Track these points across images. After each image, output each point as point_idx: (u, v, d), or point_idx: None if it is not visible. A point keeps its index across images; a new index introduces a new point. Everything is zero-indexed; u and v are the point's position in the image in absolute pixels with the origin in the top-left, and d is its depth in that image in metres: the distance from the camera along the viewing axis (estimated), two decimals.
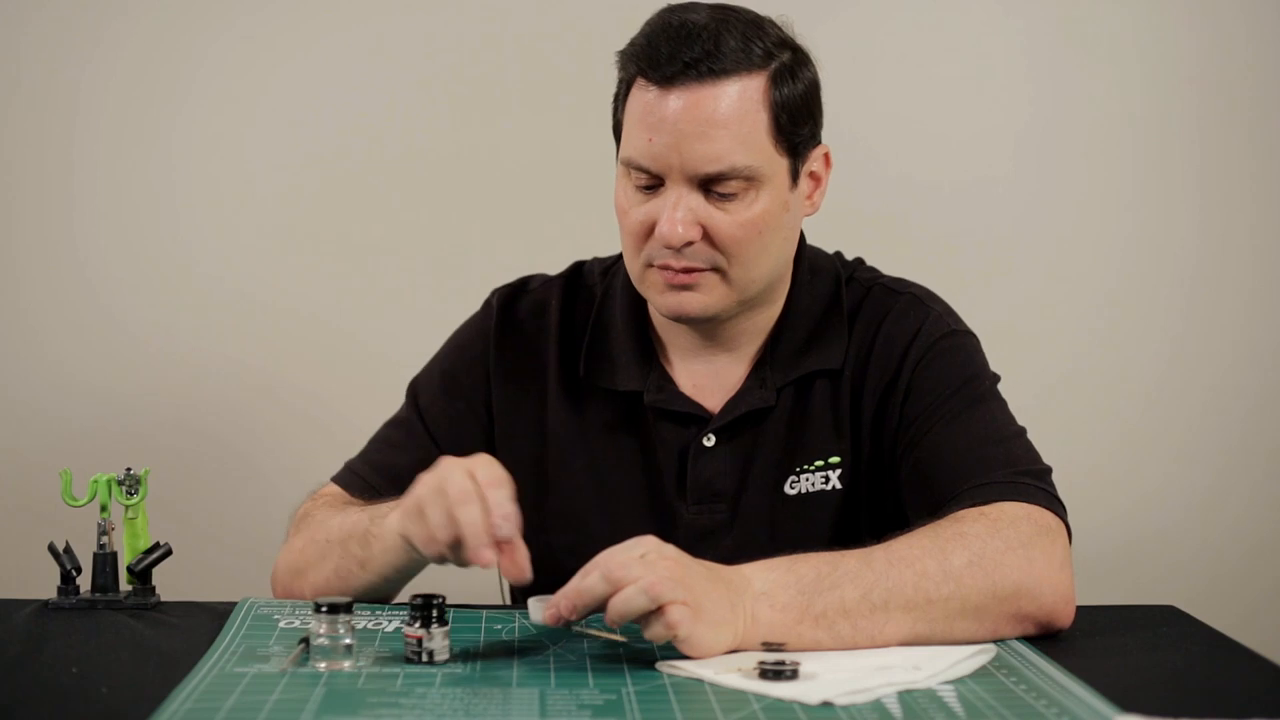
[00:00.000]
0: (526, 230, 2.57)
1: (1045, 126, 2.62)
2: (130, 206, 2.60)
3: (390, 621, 1.54)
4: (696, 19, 1.60)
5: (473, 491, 1.41)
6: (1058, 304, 2.63)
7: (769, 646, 1.36)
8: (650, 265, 1.63)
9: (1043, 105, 2.61)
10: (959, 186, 2.61)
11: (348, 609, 1.37)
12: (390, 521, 1.53)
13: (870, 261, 1.80)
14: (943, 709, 1.26)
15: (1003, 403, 1.68)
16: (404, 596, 1.49)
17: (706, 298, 1.62)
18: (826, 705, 1.26)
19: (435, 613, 1.38)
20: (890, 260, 1.82)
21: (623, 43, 1.65)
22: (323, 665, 1.36)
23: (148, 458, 1.88)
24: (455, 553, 1.42)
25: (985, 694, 1.30)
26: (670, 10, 1.63)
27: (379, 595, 1.63)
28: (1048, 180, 2.63)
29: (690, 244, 1.59)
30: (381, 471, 1.76)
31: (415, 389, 1.81)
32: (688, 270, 1.61)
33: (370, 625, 1.52)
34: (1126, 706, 1.24)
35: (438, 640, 1.38)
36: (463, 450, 1.76)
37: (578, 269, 1.81)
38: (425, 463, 1.76)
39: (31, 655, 1.44)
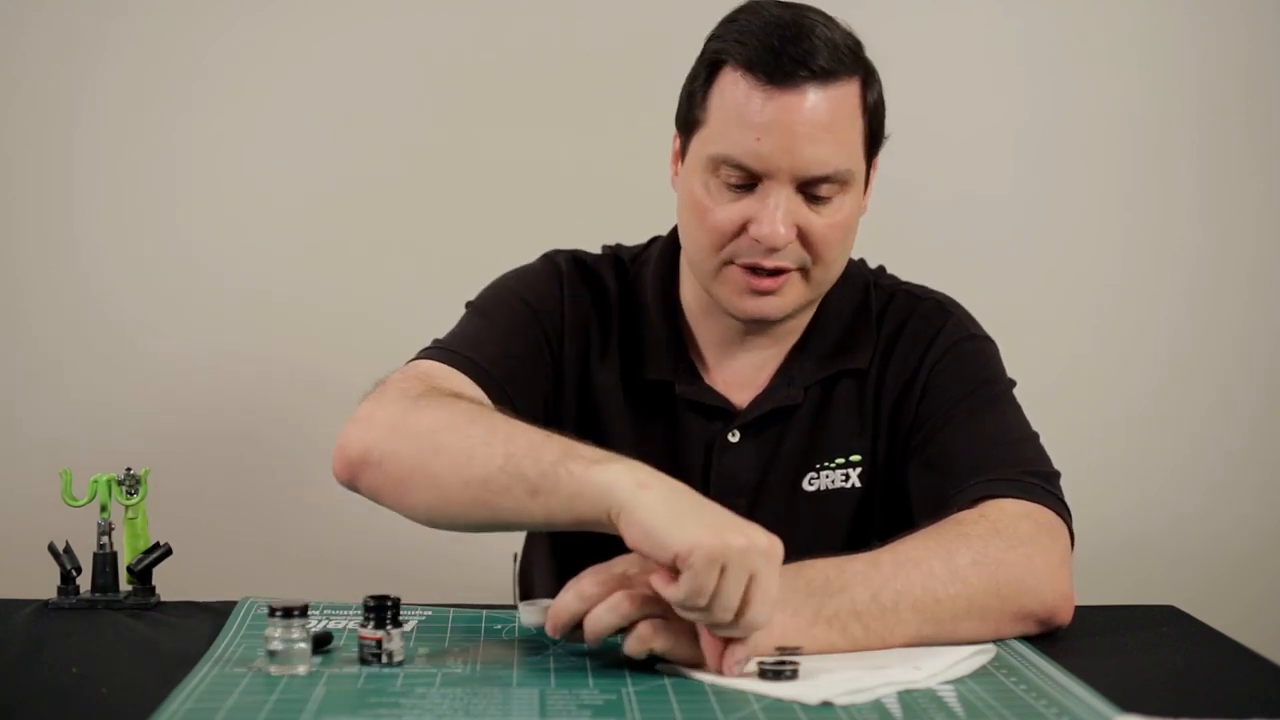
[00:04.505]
0: (528, 227, 2.56)
1: (1045, 127, 2.62)
2: (130, 206, 2.60)
3: (347, 620, 1.53)
4: (788, 16, 1.59)
5: (729, 606, 1.28)
6: (1057, 305, 2.63)
7: (785, 650, 1.35)
8: (730, 263, 1.62)
9: (1042, 106, 2.61)
10: (958, 187, 2.61)
11: (303, 613, 1.35)
12: (629, 478, 1.32)
13: (870, 263, 1.81)
14: (943, 709, 1.26)
15: (1017, 407, 1.69)
16: (357, 597, 1.46)
17: (786, 299, 1.63)
18: (826, 705, 1.26)
19: (391, 614, 1.38)
20: (888, 262, 1.83)
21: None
22: (274, 669, 1.34)
23: (148, 458, 1.88)
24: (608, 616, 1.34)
25: (985, 694, 1.30)
26: (757, 7, 1.62)
27: (510, 525, 1.42)
28: (1047, 181, 2.63)
29: (787, 245, 1.60)
30: (492, 359, 1.61)
31: (484, 304, 1.71)
32: (777, 271, 1.60)
33: (334, 625, 1.51)
34: (1126, 706, 1.24)
35: (395, 641, 1.38)
36: (521, 384, 1.64)
37: (615, 253, 1.80)
38: (516, 358, 1.63)
39: (31, 655, 1.44)
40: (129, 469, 1.70)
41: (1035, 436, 1.66)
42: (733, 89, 1.58)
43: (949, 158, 2.61)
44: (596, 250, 1.82)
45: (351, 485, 1.49)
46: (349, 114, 2.59)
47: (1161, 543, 2.63)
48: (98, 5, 2.57)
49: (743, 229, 1.60)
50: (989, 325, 1.78)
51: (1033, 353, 2.57)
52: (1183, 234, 2.63)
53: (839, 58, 1.58)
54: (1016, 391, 1.72)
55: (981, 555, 1.46)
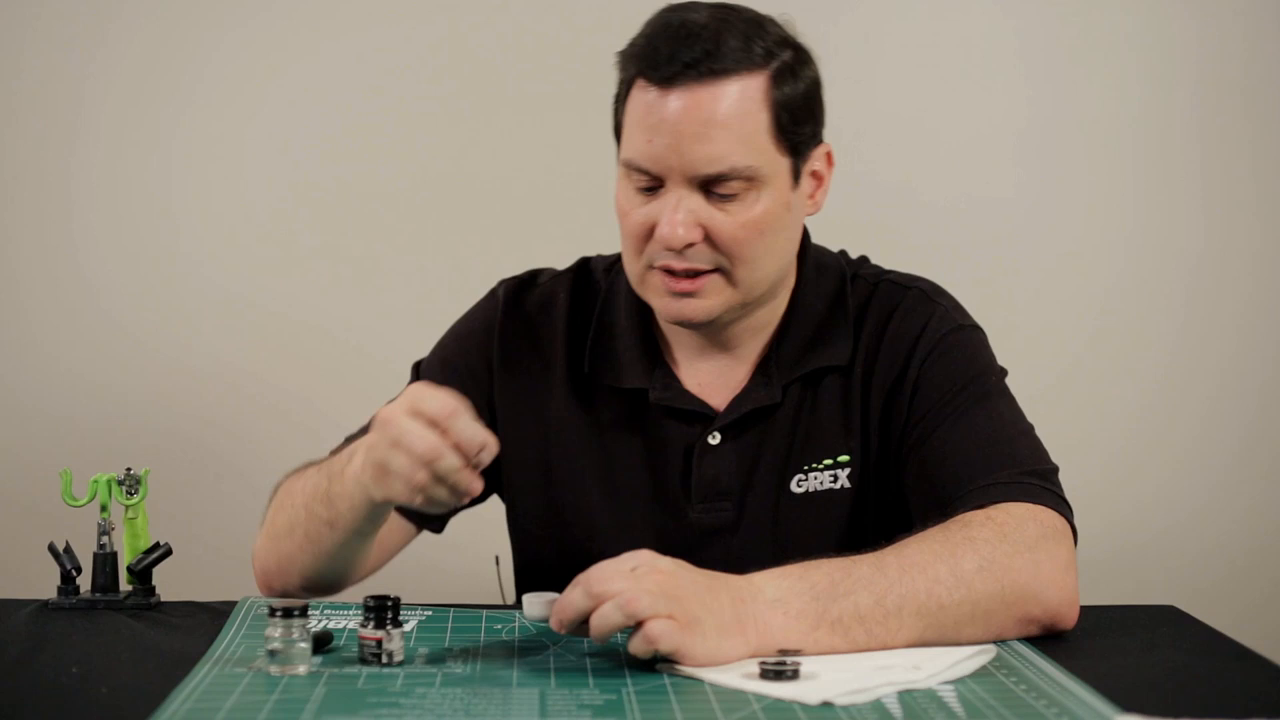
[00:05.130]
0: (524, 235, 2.57)
1: (1045, 127, 2.61)
2: (130, 208, 2.60)
3: (347, 620, 1.53)
4: (697, 18, 1.59)
5: (437, 442, 1.40)
6: (1058, 306, 2.63)
7: (786, 653, 1.35)
8: (651, 268, 1.61)
9: (1042, 106, 2.61)
10: (958, 188, 2.61)
11: (303, 613, 1.35)
12: (353, 476, 1.51)
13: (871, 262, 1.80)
14: (943, 709, 1.26)
15: (1010, 398, 1.68)
16: (357, 597, 1.48)
17: (709, 301, 1.61)
18: (826, 705, 1.26)
19: (391, 614, 1.38)
20: (890, 262, 1.81)
21: (624, 44, 1.64)
22: (275, 669, 1.34)
23: (148, 458, 1.88)
24: (436, 497, 1.42)
25: (985, 694, 1.30)
26: (671, 10, 1.62)
27: (352, 553, 1.63)
28: (1047, 181, 2.63)
29: (691, 245, 1.58)
30: None
31: (417, 372, 1.79)
32: (691, 274, 1.59)
33: (334, 625, 1.51)
34: (1126, 706, 1.24)
35: (395, 641, 1.38)
36: None
37: (585, 264, 1.80)
38: None
39: (31, 655, 1.44)
40: (129, 469, 1.70)
41: (1030, 429, 1.65)
42: (636, 95, 1.60)
43: (949, 158, 2.61)
44: (591, 256, 1.81)
45: (281, 594, 1.68)
46: (349, 117, 2.60)
47: (1161, 543, 2.63)
48: (97, 7, 2.57)
49: (653, 231, 1.59)
50: (989, 326, 1.77)
51: (1033, 353, 2.58)
52: (1183, 234, 2.63)
53: (731, 54, 1.56)
54: (1017, 391, 1.70)
55: (988, 561, 1.45)
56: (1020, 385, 1.73)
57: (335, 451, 1.74)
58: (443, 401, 1.42)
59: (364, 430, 1.75)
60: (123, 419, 2.59)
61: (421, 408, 1.41)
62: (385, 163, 2.60)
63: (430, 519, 1.76)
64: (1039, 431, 1.66)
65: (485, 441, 1.41)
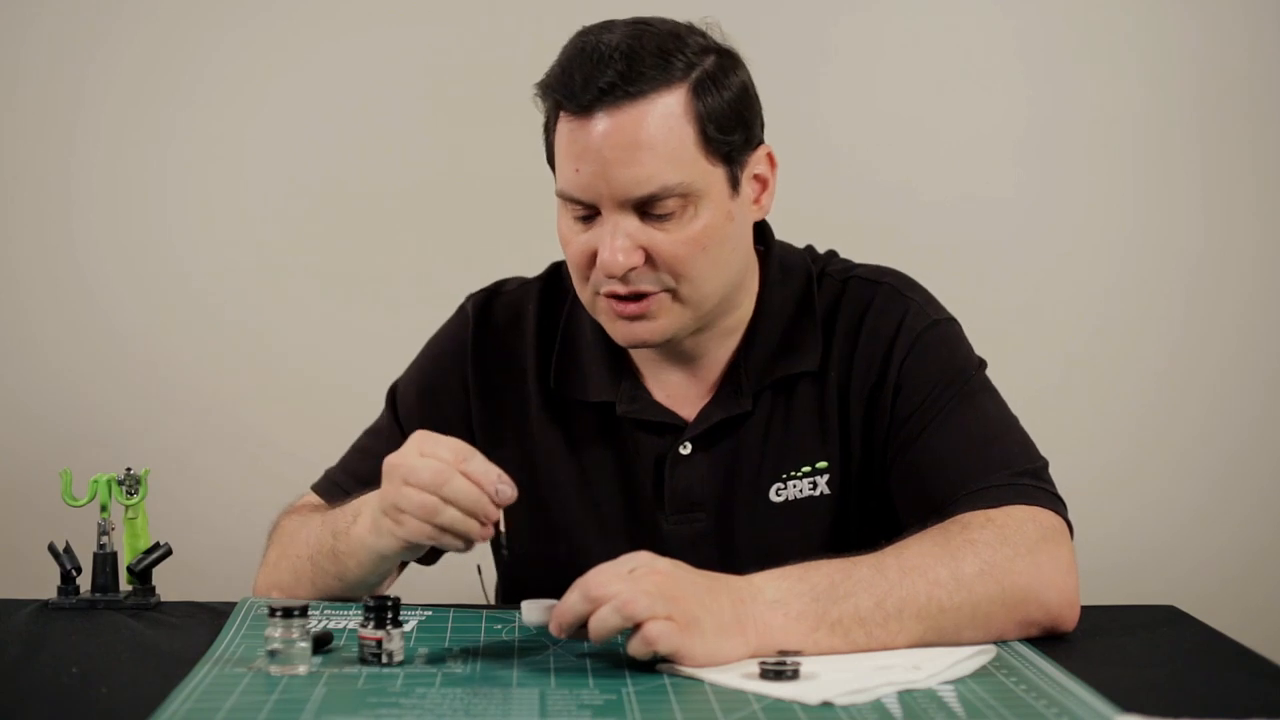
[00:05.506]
0: (526, 234, 2.57)
1: (1045, 128, 2.62)
2: (131, 208, 2.60)
3: (347, 620, 1.54)
4: (610, 39, 1.55)
5: (442, 467, 1.44)
6: (1058, 307, 2.63)
7: (786, 653, 1.35)
8: (599, 294, 1.60)
9: (1042, 106, 2.62)
10: (958, 188, 2.61)
11: (303, 613, 1.35)
12: (359, 535, 1.55)
13: (871, 263, 1.78)
14: (943, 709, 1.26)
15: (994, 392, 1.66)
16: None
17: (660, 323, 1.59)
18: (826, 705, 1.26)
19: (391, 614, 1.38)
20: (890, 263, 1.79)
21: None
22: (275, 669, 1.34)
23: (148, 458, 1.88)
24: (454, 537, 1.45)
25: (985, 694, 1.30)
26: (585, 33, 1.59)
27: (358, 595, 1.63)
28: (1047, 181, 2.63)
29: (633, 269, 1.56)
30: (360, 479, 1.71)
31: (394, 397, 1.78)
32: (637, 296, 1.57)
33: (334, 625, 1.51)
34: (1126, 706, 1.24)
35: (395, 641, 1.38)
36: None
37: (555, 271, 1.78)
38: None
39: (31, 655, 1.45)
40: (129, 469, 1.70)
41: (1015, 422, 1.63)
42: (560, 126, 1.58)
43: (949, 158, 2.61)
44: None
45: None
46: (349, 117, 2.60)
47: (1162, 543, 2.63)
48: (98, 5, 2.57)
49: (595, 259, 1.58)
50: (988, 327, 1.77)
51: (1033, 353, 2.58)
52: (1183, 234, 2.63)
53: (647, 73, 1.53)
54: (1016, 392, 1.68)
55: (989, 564, 1.44)
56: (1020, 385, 1.73)
57: (320, 488, 1.77)
58: (453, 446, 1.45)
59: (342, 461, 1.79)
60: (123, 419, 2.59)
61: (431, 452, 1.45)
62: (387, 162, 2.60)
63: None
64: (1041, 432, 1.65)
65: (501, 474, 1.44)
